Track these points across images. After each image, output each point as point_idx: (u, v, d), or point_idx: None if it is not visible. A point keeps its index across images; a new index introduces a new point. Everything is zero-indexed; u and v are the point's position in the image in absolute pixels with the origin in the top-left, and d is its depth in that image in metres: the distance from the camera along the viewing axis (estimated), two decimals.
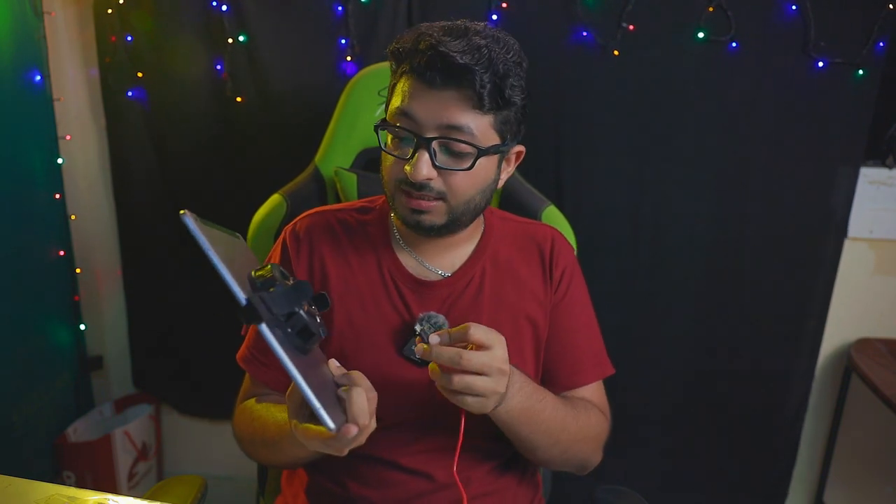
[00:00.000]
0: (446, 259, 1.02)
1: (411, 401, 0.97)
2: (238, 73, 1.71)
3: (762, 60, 1.58)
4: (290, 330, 0.69)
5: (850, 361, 1.71)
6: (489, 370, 0.78)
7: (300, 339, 0.70)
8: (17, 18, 1.62)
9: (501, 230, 1.07)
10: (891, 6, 1.52)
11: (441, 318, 0.97)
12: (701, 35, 1.57)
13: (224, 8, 1.65)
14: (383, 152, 0.93)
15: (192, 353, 1.96)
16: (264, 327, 0.64)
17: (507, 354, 0.81)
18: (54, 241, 1.82)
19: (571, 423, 0.97)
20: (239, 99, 1.72)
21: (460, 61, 0.83)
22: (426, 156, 0.87)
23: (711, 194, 1.69)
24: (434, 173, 0.88)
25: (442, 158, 0.88)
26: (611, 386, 1.14)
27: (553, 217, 1.33)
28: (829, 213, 1.68)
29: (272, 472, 1.29)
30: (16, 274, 1.68)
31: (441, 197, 0.91)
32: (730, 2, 1.54)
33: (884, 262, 1.74)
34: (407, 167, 0.88)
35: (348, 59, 1.66)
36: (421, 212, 0.92)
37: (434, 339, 0.79)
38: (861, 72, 1.56)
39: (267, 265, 0.72)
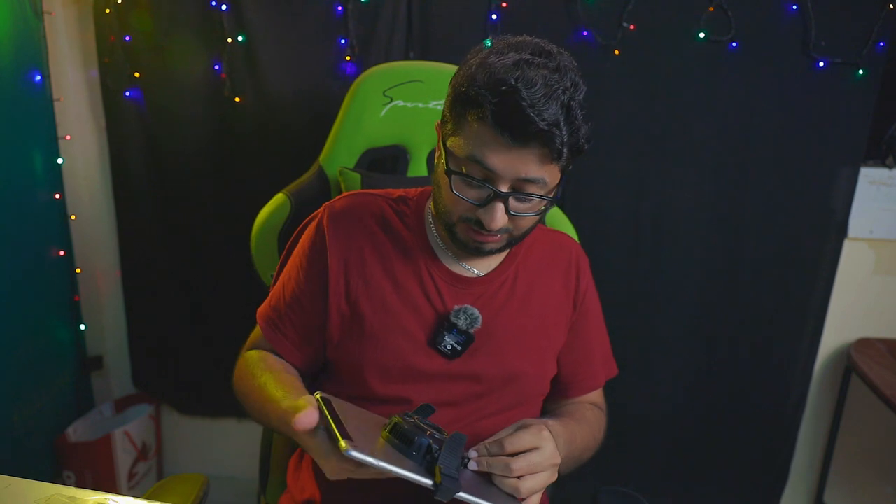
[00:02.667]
0: (482, 260, 1.04)
1: (434, 389, 0.99)
2: (237, 73, 1.71)
3: (762, 60, 1.59)
4: (464, 468, 0.78)
5: (850, 361, 1.71)
6: (543, 467, 0.84)
7: (462, 469, 0.79)
8: (17, 18, 1.62)
9: (530, 237, 1.08)
10: (891, 6, 1.52)
11: (476, 311, 1.00)
12: (701, 35, 1.57)
13: (223, 7, 1.65)
14: (449, 191, 0.91)
15: (191, 353, 1.96)
16: (464, 495, 0.72)
17: (554, 446, 0.85)
18: (54, 241, 1.82)
19: (591, 442, 1.06)
20: (238, 99, 1.72)
21: (544, 127, 0.81)
22: (502, 207, 0.88)
23: (711, 194, 1.69)
24: (507, 219, 0.90)
25: (515, 206, 0.89)
26: (611, 386, 1.16)
27: (554, 217, 1.33)
28: (829, 213, 1.69)
29: (274, 472, 1.29)
30: (16, 274, 1.68)
31: (507, 232, 0.94)
32: (730, 2, 1.54)
33: (884, 262, 1.75)
34: (482, 216, 0.89)
35: (348, 59, 1.66)
36: (486, 242, 0.94)
37: (473, 465, 0.83)
38: (861, 72, 1.56)
39: (391, 423, 0.78)
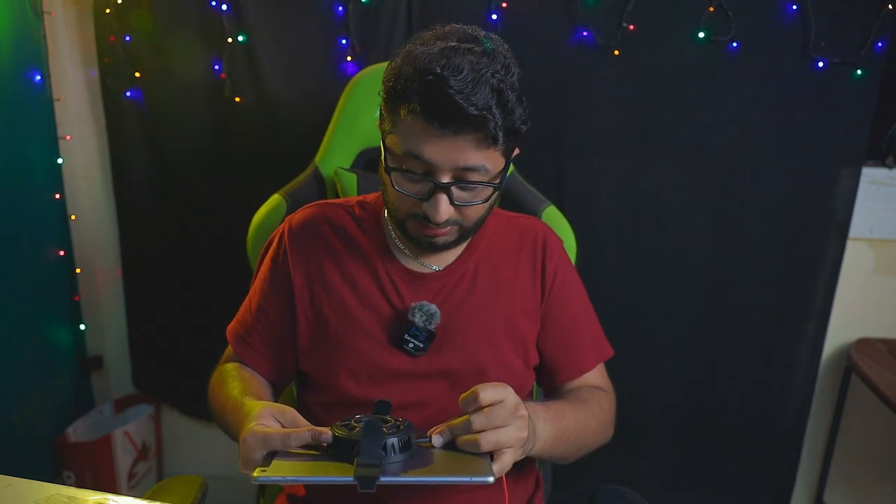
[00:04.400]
0: (440, 255, 1.03)
1: (404, 388, 0.99)
2: (236, 73, 1.71)
3: (762, 60, 1.58)
4: (394, 454, 0.74)
5: (850, 361, 1.70)
6: (506, 420, 0.78)
7: (406, 452, 0.75)
8: (17, 18, 1.62)
9: (493, 226, 1.08)
10: (890, 6, 1.52)
11: (433, 308, 0.99)
12: (701, 35, 1.57)
13: (224, 7, 1.65)
14: (392, 188, 0.91)
15: (191, 353, 1.96)
16: (385, 479, 0.70)
17: (518, 399, 0.81)
18: (54, 241, 1.82)
19: (591, 422, 1.00)
20: (238, 99, 1.72)
21: (474, 113, 0.81)
22: (445, 198, 0.87)
23: (711, 194, 1.68)
24: (452, 210, 0.89)
25: (458, 195, 0.89)
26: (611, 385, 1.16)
27: (553, 217, 1.33)
28: (830, 213, 1.68)
29: None
30: (16, 274, 1.68)
31: (456, 223, 0.93)
32: (730, 2, 1.54)
33: (884, 262, 1.74)
34: (427, 210, 0.89)
35: (349, 59, 1.66)
36: (436, 236, 0.94)
37: (437, 439, 0.78)
38: (860, 72, 1.56)
39: (330, 430, 0.76)
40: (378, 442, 0.73)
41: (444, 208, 0.88)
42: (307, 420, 0.81)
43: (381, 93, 0.91)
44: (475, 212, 0.93)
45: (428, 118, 0.83)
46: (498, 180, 0.90)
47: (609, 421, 1.07)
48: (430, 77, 0.81)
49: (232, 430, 0.91)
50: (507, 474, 1.05)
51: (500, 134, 0.84)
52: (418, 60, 0.83)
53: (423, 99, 0.82)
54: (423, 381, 0.99)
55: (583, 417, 0.99)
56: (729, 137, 1.64)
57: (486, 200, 0.91)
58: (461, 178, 0.87)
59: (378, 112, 0.95)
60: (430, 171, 0.86)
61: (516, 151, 0.96)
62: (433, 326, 0.98)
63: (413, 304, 0.99)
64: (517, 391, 1.04)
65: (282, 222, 1.09)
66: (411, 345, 0.98)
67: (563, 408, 0.97)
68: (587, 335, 1.11)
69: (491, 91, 0.82)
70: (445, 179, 0.86)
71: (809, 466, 1.92)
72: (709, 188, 1.68)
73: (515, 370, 1.05)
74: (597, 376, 1.11)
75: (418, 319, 0.98)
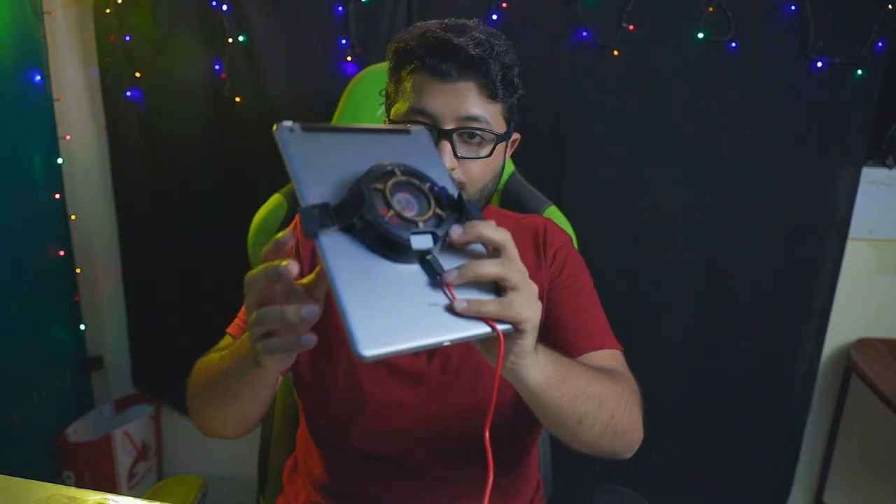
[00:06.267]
0: None
1: (399, 383, 0.98)
2: (237, 73, 1.71)
3: (762, 60, 1.58)
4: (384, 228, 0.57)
5: (850, 361, 1.70)
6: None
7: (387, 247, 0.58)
8: (17, 18, 1.62)
9: (502, 225, 1.06)
10: (890, 6, 1.52)
11: None
12: (701, 35, 1.57)
13: (224, 7, 1.65)
14: None
15: (191, 353, 1.95)
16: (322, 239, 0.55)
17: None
18: (54, 241, 1.82)
19: (607, 379, 0.88)
20: (238, 99, 1.72)
21: (474, 53, 0.86)
22: (448, 147, 0.89)
23: (711, 194, 1.68)
24: (456, 163, 0.90)
25: (462, 148, 0.90)
26: None
27: (554, 217, 1.32)
28: (830, 213, 1.68)
29: (273, 472, 1.29)
30: (16, 274, 1.68)
31: (460, 184, 0.92)
32: (730, 2, 1.54)
33: (884, 262, 1.74)
34: None
35: (348, 59, 1.66)
36: None
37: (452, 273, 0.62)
38: (860, 72, 1.56)
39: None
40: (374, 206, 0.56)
41: (449, 157, 0.89)
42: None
43: (388, 72, 0.95)
44: (478, 171, 0.92)
45: (430, 67, 0.88)
46: (499, 134, 0.92)
47: (634, 401, 0.96)
48: (431, 34, 0.88)
49: (232, 366, 0.82)
50: (508, 478, 1.05)
51: (500, 87, 0.89)
52: (421, 27, 0.91)
53: (425, 51, 0.88)
54: (423, 375, 0.98)
55: (595, 372, 0.86)
56: (729, 137, 1.64)
57: (490, 155, 0.92)
58: (466, 127, 0.89)
59: (380, 110, 0.96)
60: (435, 125, 0.89)
61: (517, 136, 0.98)
62: None
63: None
64: None
65: (282, 223, 1.08)
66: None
67: (573, 363, 0.81)
68: (595, 321, 1.04)
69: (490, 48, 0.88)
70: (449, 127, 0.89)
71: (809, 466, 1.93)
72: (709, 188, 1.68)
73: None
74: (614, 363, 1.01)
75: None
